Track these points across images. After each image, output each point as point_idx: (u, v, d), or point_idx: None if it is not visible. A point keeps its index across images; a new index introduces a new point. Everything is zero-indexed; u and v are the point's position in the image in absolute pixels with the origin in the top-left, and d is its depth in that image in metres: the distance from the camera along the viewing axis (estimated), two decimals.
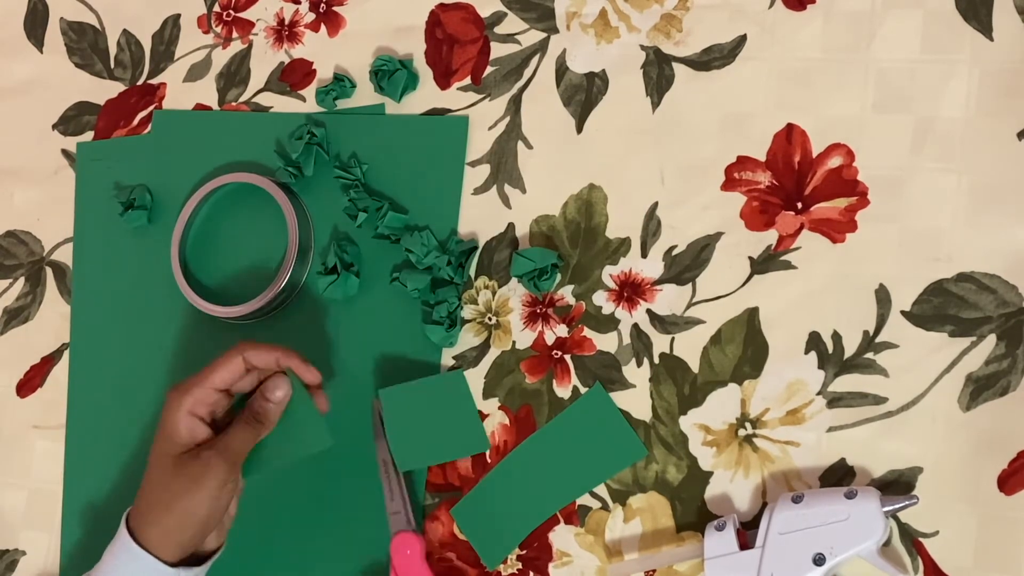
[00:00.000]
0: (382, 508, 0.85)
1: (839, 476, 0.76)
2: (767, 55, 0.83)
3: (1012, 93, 0.77)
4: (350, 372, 0.89)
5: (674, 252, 0.83)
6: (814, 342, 0.78)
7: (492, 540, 0.83)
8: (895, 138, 0.79)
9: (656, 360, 0.82)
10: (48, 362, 1.01)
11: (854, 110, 0.80)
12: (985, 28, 0.78)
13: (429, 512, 0.86)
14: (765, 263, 0.80)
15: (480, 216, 0.89)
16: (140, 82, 1.03)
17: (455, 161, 0.90)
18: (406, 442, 0.85)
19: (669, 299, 0.82)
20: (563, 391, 0.84)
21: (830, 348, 0.78)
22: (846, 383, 0.77)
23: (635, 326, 0.83)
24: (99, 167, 1.02)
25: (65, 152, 1.04)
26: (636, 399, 0.82)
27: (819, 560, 0.71)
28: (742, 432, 0.79)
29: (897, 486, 0.74)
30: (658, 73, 0.86)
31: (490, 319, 0.87)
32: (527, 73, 0.90)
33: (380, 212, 0.89)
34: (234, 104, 0.98)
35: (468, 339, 0.87)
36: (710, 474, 0.79)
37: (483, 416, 0.86)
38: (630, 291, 0.83)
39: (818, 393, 0.77)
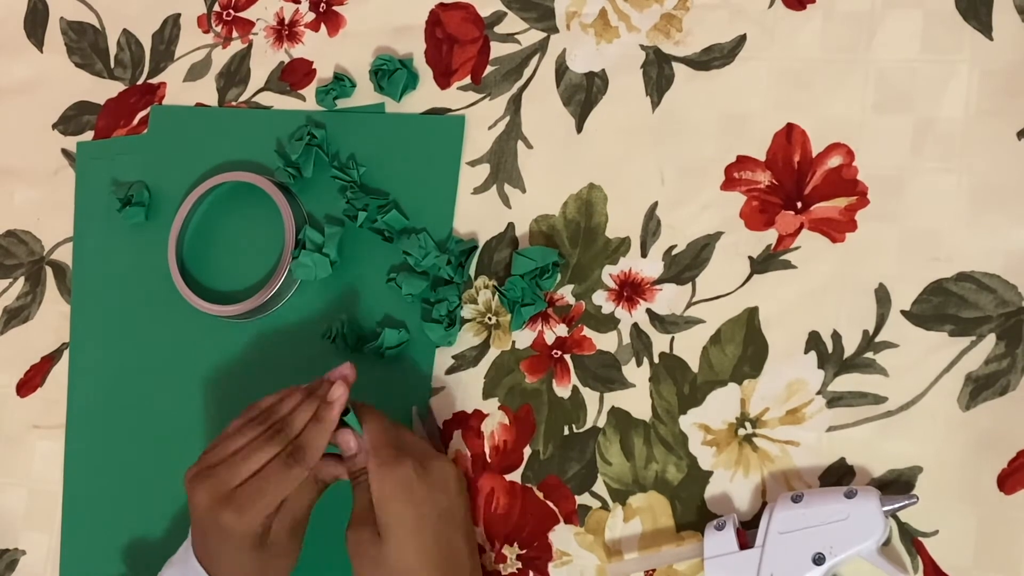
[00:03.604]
0: None
1: (839, 476, 0.76)
2: (767, 55, 0.83)
3: (1012, 93, 0.77)
4: None
5: (674, 252, 0.83)
6: (814, 342, 0.78)
7: None
8: (895, 138, 0.79)
9: (656, 360, 0.82)
10: (48, 362, 1.00)
11: (854, 110, 0.80)
12: (985, 28, 0.78)
13: None
14: (765, 263, 0.80)
15: (480, 216, 0.89)
16: (140, 82, 1.03)
17: (451, 161, 0.90)
18: None
19: (669, 299, 0.82)
20: (563, 391, 0.84)
21: (830, 348, 0.78)
22: (846, 383, 0.77)
23: (635, 326, 0.83)
24: (99, 167, 1.02)
25: (65, 152, 1.04)
26: (636, 399, 0.82)
27: (819, 560, 0.71)
28: (742, 432, 0.79)
29: (897, 486, 0.74)
30: (658, 73, 0.86)
31: (490, 319, 0.87)
32: (527, 73, 0.90)
33: (383, 209, 0.89)
34: (234, 104, 0.98)
35: (468, 339, 0.87)
36: (710, 474, 0.79)
37: (482, 416, 0.86)
38: (630, 291, 0.83)
39: (818, 393, 0.77)
